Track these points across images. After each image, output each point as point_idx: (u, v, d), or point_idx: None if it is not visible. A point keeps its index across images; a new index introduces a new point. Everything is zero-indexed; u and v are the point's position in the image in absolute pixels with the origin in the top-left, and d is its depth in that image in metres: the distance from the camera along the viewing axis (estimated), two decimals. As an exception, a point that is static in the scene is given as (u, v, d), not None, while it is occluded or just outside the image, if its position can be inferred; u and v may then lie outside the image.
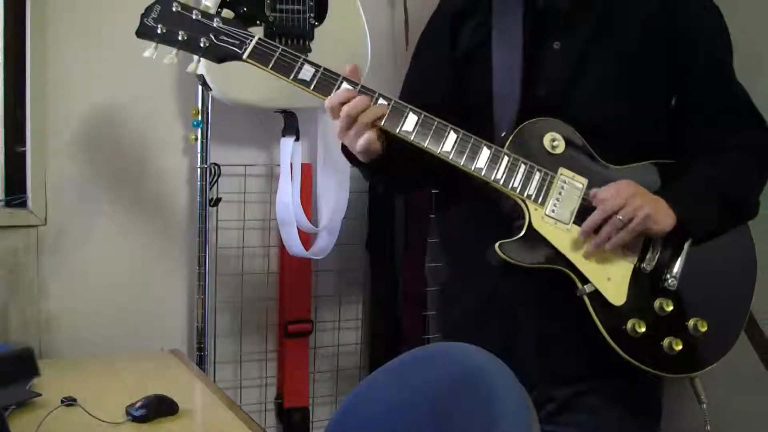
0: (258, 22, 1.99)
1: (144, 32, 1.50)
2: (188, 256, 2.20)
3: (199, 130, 2.13)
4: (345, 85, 1.45)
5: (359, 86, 1.45)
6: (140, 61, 1.51)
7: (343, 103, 1.43)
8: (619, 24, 1.52)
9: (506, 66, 1.53)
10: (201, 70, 1.95)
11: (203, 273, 2.15)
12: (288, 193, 2.12)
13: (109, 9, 2.02)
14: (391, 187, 2.09)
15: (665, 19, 1.52)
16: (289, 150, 2.12)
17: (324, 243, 2.21)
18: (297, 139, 2.13)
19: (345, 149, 1.53)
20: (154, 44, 1.50)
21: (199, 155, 2.13)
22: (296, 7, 2.01)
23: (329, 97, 1.45)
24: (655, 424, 1.61)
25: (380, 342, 2.39)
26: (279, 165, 2.16)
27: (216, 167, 2.16)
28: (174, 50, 1.50)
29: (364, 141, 1.43)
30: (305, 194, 2.19)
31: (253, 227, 2.28)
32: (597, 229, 1.45)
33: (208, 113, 2.12)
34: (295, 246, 2.15)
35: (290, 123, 2.13)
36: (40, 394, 1.55)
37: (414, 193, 2.29)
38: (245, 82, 1.95)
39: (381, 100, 1.45)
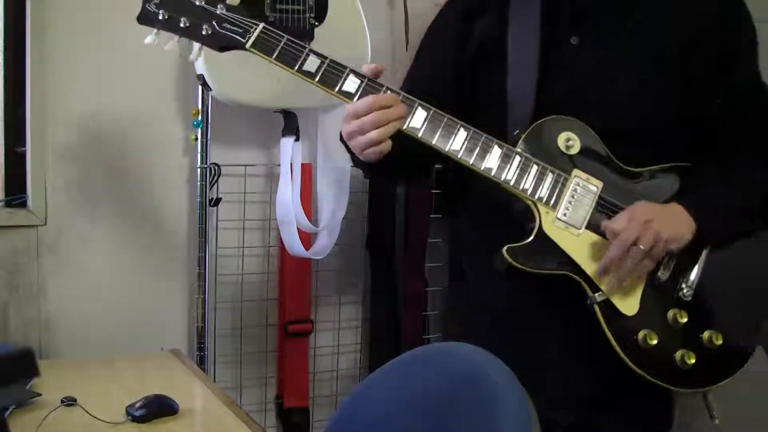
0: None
1: (145, 18, 1.45)
2: (188, 256, 2.20)
3: (199, 130, 2.12)
4: (380, 90, 1.39)
5: (366, 79, 1.41)
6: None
7: (377, 108, 1.38)
8: (642, 22, 1.46)
9: (522, 61, 1.48)
10: (201, 70, 1.95)
11: (203, 273, 2.15)
12: (288, 193, 2.12)
13: (109, 9, 2.01)
14: (392, 181, 2.06)
15: (692, 15, 1.46)
16: (289, 150, 2.12)
17: (324, 243, 2.21)
18: (297, 139, 2.13)
19: (346, 144, 1.47)
20: (155, 31, 1.45)
21: (199, 155, 2.13)
22: (296, 7, 2.01)
23: (374, 98, 1.38)
24: None
25: (380, 342, 2.39)
26: (279, 165, 2.16)
27: (216, 167, 2.16)
28: (176, 37, 1.45)
29: (378, 151, 1.39)
30: (305, 194, 2.19)
31: (253, 227, 2.27)
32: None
33: (208, 113, 2.12)
34: (295, 246, 2.15)
35: (290, 123, 2.13)
36: (40, 394, 1.55)
37: (414, 189, 2.28)
38: (245, 82, 1.95)
39: (389, 94, 1.40)
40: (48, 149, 2.03)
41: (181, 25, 1.44)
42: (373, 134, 1.38)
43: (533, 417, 1.06)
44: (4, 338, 2.00)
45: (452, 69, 1.57)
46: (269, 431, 2.33)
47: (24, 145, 2.04)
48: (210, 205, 2.16)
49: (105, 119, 2.08)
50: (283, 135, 2.14)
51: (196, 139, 2.13)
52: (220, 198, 2.18)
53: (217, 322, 2.24)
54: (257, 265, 2.29)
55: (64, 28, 2.01)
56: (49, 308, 2.06)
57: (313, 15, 2.03)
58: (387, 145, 1.39)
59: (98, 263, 2.11)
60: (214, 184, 2.17)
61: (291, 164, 2.13)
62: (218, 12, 1.43)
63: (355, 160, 1.50)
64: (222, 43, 1.44)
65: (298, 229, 2.14)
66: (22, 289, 2.03)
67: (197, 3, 1.44)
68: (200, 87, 2.07)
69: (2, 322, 2.01)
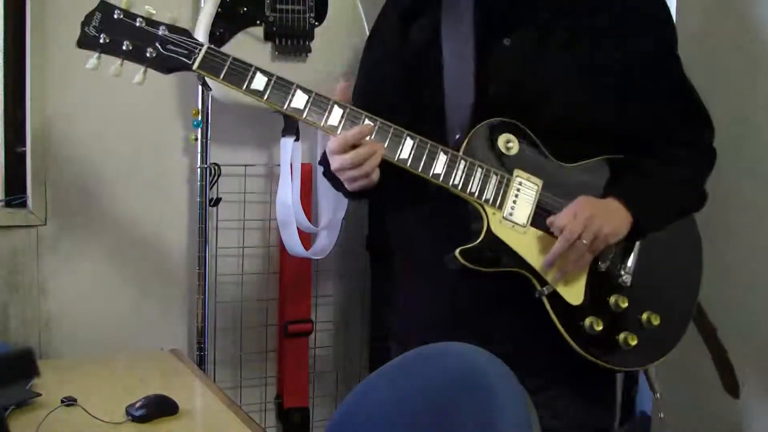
0: (258, 22, 1.99)
1: (85, 42, 1.42)
2: (188, 255, 2.20)
3: (199, 130, 2.12)
4: (366, 121, 1.43)
5: (313, 93, 1.43)
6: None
7: (356, 144, 1.41)
8: (571, 20, 1.50)
9: (457, 64, 1.51)
10: (201, 70, 1.95)
11: (203, 273, 2.15)
12: (288, 193, 2.12)
13: (109, 9, 2.02)
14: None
15: (619, 17, 1.50)
16: (289, 150, 2.12)
17: (324, 243, 2.21)
18: (297, 139, 2.13)
19: (328, 173, 1.51)
20: (96, 54, 1.42)
21: (199, 155, 2.13)
22: (296, 7, 2.01)
23: (346, 133, 1.42)
24: (611, 414, 1.65)
25: (380, 342, 2.39)
26: (279, 165, 2.16)
27: (216, 167, 2.16)
28: (119, 60, 1.42)
29: (368, 183, 1.43)
30: (305, 194, 2.19)
31: (253, 227, 2.28)
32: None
33: (208, 113, 2.12)
34: (295, 246, 2.15)
35: (290, 123, 2.13)
36: (40, 394, 1.55)
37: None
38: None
39: (336, 108, 1.43)
40: (48, 149, 2.03)
41: (124, 48, 1.41)
42: (359, 169, 1.43)
43: (533, 416, 1.07)
44: (4, 338, 2.00)
45: (398, 70, 1.58)
46: (269, 431, 2.33)
47: (24, 145, 2.04)
48: (210, 205, 2.16)
49: (105, 119, 2.08)
50: (283, 135, 2.14)
51: (196, 139, 2.13)
52: (220, 198, 2.18)
53: (217, 322, 2.24)
54: (257, 265, 2.29)
55: (64, 27, 2.01)
56: (49, 308, 2.06)
57: (313, 15, 2.03)
58: (375, 175, 1.44)
59: (98, 263, 2.11)
60: (214, 184, 2.17)
61: (291, 164, 2.13)
62: (160, 33, 1.42)
63: (338, 187, 1.54)
64: (168, 65, 1.43)
65: (298, 229, 2.14)
66: (22, 289, 2.03)
67: (138, 25, 1.41)
68: (200, 87, 2.07)
69: (2, 322, 2.01)
